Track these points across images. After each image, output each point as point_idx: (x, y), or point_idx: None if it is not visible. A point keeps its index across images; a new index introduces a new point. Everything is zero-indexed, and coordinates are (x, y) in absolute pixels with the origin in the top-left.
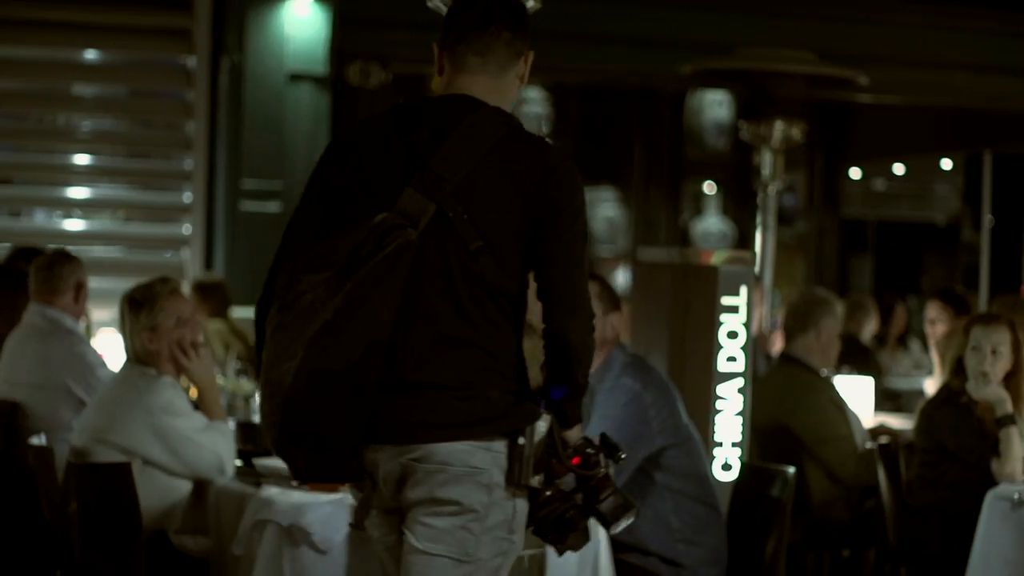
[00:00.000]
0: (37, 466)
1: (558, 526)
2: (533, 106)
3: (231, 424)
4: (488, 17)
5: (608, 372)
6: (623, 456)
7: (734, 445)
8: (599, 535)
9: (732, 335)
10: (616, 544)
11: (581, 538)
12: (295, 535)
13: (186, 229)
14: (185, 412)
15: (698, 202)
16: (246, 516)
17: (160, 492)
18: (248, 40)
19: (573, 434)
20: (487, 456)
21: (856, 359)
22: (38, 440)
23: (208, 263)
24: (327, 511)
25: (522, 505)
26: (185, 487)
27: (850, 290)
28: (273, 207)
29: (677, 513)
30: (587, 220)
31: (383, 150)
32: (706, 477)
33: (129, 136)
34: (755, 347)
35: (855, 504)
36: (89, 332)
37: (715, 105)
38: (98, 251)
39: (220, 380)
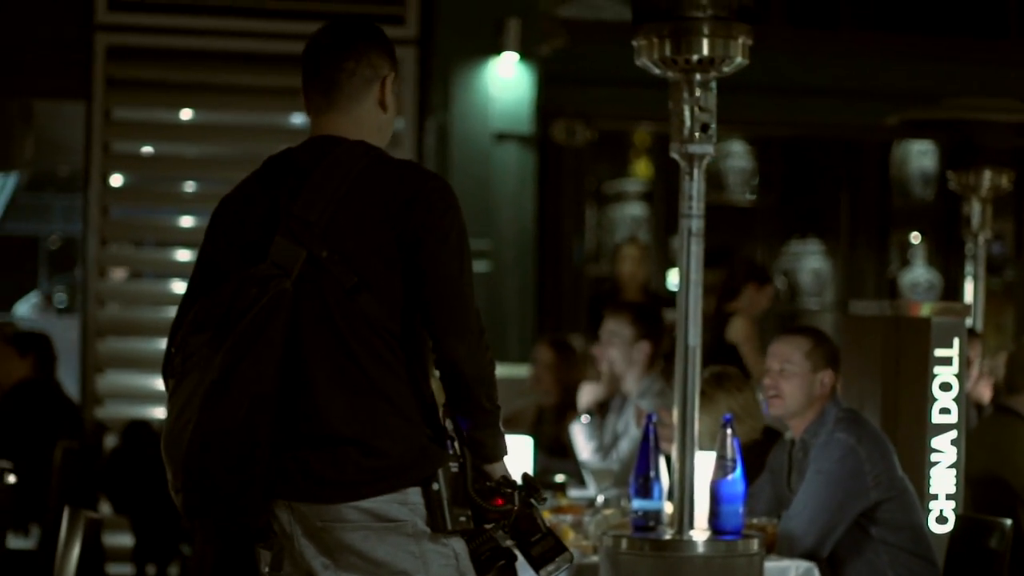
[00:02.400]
0: None
1: (477, 567)
2: (738, 160)
3: None
4: (323, 53)
5: (822, 427)
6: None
7: (948, 497)
8: None
9: (945, 387)
10: None
11: None
12: None
13: None
14: None
15: (904, 253)
16: None
17: None
18: (454, 101)
19: (497, 468)
20: (403, 509)
21: None
22: None
23: None
24: None
25: (459, 546)
26: None
27: None
28: (481, 266)
29: (894, 567)
30: (464, 237)
31: (251, 206)
32: (922, 530)
33: None
34: (967, 398)
35: None
36: None
37: (921, 155)
38: None
39: None
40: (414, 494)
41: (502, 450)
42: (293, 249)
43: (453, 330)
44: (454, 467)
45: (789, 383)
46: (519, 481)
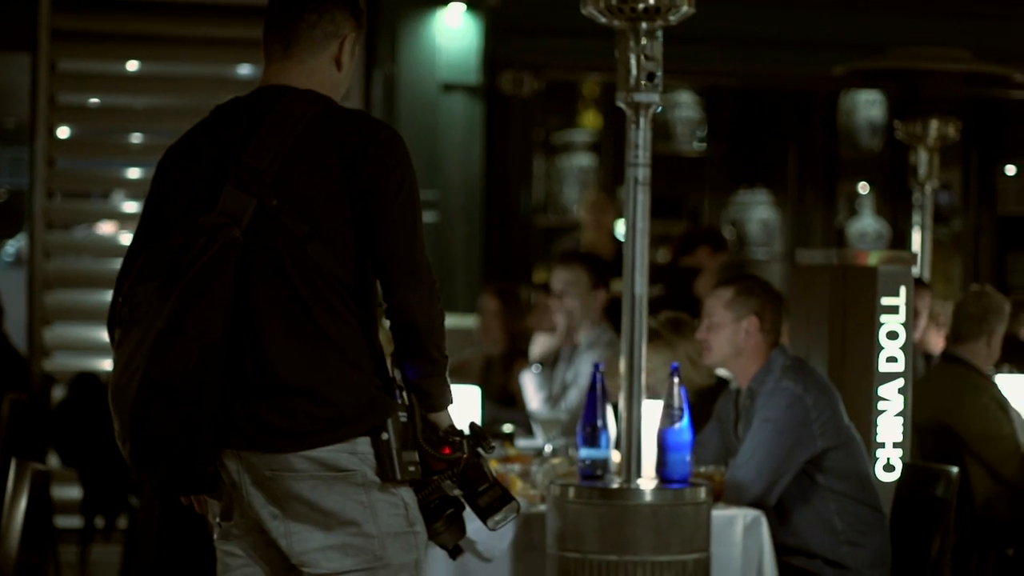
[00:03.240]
0: None
1: (425, 516)
2: (686, 110)
3: None
4: (287, 2)
5: (769, 375)
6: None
7: (896, 446)
8: (763, 536)
9: (892, 335)
10: (780, 547)
11: (451, 532)
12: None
13: None
14: None
15: (852, 203)
16: None
17: None
18: (400, 51)
19: (443, 418)
20: (353, 458)
21: (1018, 358)
22: None
23: None
24: None
25: (408, 495)
26: None
27: (1008, 288)
28: (429, 217)
29: (840, 515)
30: (415, 189)
31: (199, 155)
32: (868, 478)
33: None
34: (914, 347)
35: (1018, 503)
36: None
37: (868, 105)
38: None
39: None
40: (363, 444)
41: (448, 399)
42: (243, 198)
43: (405, 281)
44: (403, 417)
45: (715, 334)
46: (466, 431)
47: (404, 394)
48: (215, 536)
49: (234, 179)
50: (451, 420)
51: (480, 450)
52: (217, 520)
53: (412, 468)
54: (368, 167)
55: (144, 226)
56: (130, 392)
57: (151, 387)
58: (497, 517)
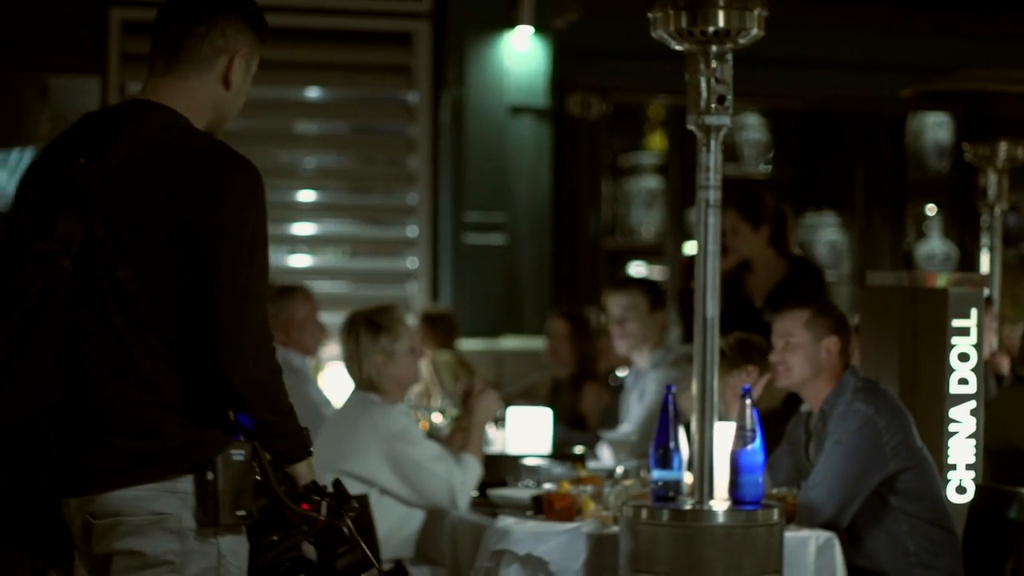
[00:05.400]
0: None
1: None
2: (753, 132)
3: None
4: (176, 13)
5: (841, 397)
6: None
7: (968, 467)
8: (836, 558)
9: (963, 357)
10: (852, 568)
11: None
12: (532, 564)
13: (411, 263)
14: (420, 440)
15: (920, 225)
16: (483, 546)
17: (396, 521)
18: (468, 74)
19: (302, 470)
20: (172, 500)
21: None
22: None
23: (434, 296)
24: (563, 540)
25: (230, 545)
26: (420, 517)
27: None
28: (497, 239)
29: (913, 537)
30: (257, 239)
31: (49, 171)
32: (941, 500)
33: (352, 172)
34: (985, 368)
35: None
36: (316, 368)
37: (936, 127)
38: (324, 286)
39: (453, 411)
40: (186, 483)
41: (300, 452)
42: (76, 223)
43: (223, 342)
44: (238, 456)
45: (794, 355)
46: (330, 488)
47: (242, 433)
48: None
49: (69, 202)
50: (312, 476)
51: (342, 511)
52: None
53: (243, 514)
54: (201, 209)
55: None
56: None
57: None
58: None
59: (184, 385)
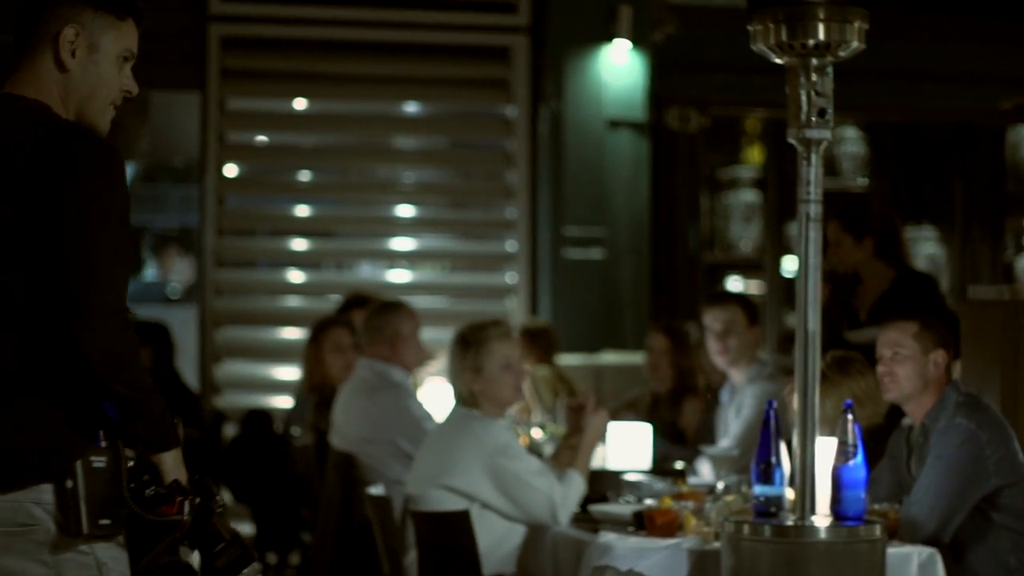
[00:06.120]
0: (375, 516)
1: None
2: (851, 145)
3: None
4: (24, 6)
5: (942, 412)
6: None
7: None
8: (939, 574)
9: None
10: None
11: None
12: None
13: (510, 278)
14: (521, 455)
15: (1020, 238)
16: (584, 562)
17: (497, 537)
18: (566, 88)
19: (168, 463)
20: (37, 509)
21: None
22: (376, 490)
23: (533, 311)
24: (665, 556)
25: (109, 552)
26: (520, 532)
27: None
28: (596, 254)
29: (1016, 553)
30: (114, 212)
31: None
32: None
33: (451, 187)
34: None
35: None
36: (416, 383)
37: None
38: (424, 302)
39: (552, 426)
40: (48, 492)
41: (164, 442)
42: None
43: (74, 310)
44: (98, 462)
45: (902, 367)
46: (192, 484)
47: (105, 438)
48: None
49: None
50: (179, 471)
51: (211, 507)
52: None
53: (106, 523)
54: (60, 180)
55: None
56: None
57: None
58: None
59: (52, 382)
